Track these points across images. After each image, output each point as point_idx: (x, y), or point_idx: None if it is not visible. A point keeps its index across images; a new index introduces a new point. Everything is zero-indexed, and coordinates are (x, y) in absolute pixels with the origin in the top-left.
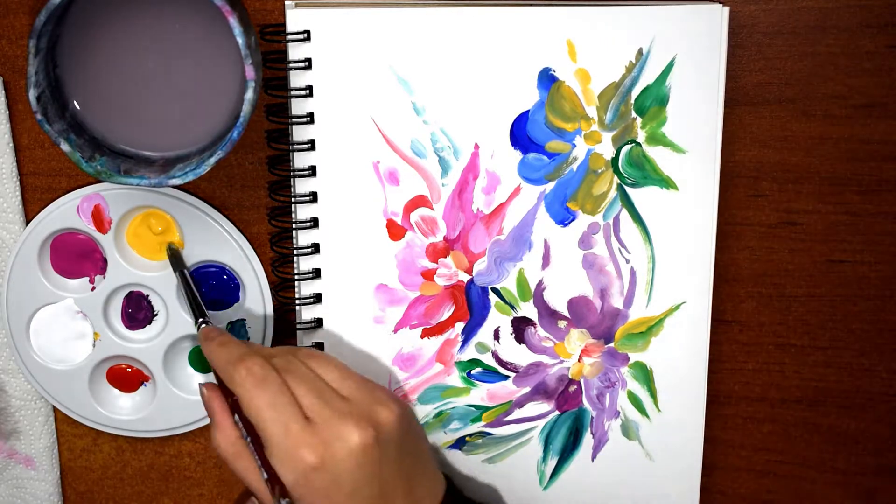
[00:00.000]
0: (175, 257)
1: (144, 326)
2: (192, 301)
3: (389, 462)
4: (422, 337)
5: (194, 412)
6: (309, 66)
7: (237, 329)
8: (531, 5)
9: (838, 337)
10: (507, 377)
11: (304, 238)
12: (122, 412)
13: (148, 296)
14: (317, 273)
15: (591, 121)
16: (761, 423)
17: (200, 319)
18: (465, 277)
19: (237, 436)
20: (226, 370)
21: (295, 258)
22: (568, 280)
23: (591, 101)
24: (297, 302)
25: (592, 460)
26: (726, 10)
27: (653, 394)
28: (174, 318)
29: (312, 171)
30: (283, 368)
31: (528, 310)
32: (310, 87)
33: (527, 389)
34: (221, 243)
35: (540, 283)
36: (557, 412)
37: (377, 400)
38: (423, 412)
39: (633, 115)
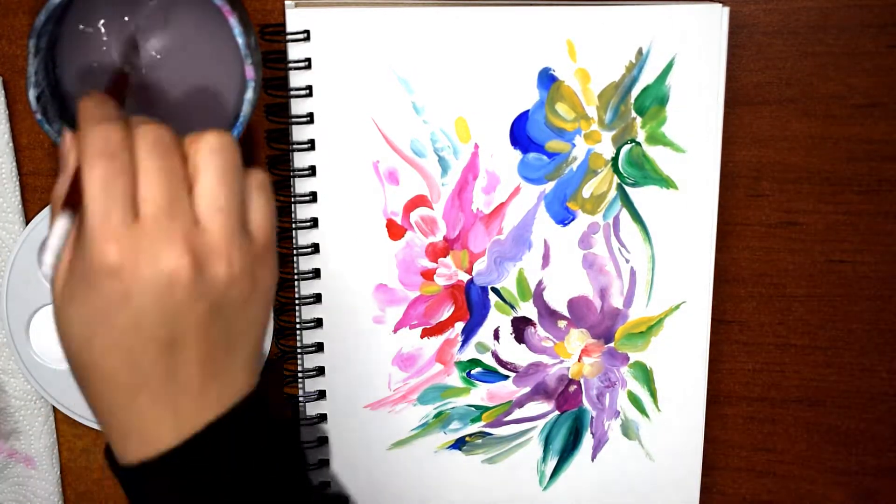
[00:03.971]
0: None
1: None
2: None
3: (198, 319)
4: (421, 337)
5: None
6: (309, 66)
7: None
8: (531, 5)
9: (838, 337)
10: (506, 377)
11: (303, 238)
12: None
13: None
14: (316, 273)
15: (590, 120)
16: (761, 423)
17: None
18: (464, 277)
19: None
20: (83, 127)
21: (295, 258)
22: (568, 280)
23: (591, 100)
24: (296, 302)
25: (592, 460)
26: (726, 10)
27: (653, 394)
28: None
29: (312, 171)
30: (146, 148)
31: (527, 310)
32: (309, 87)
33: (527, 389)
34: None
35: (540, 282)
36: (557, 412)
37: (235, 243)
38: (423, 412)
39: (633, 114)
